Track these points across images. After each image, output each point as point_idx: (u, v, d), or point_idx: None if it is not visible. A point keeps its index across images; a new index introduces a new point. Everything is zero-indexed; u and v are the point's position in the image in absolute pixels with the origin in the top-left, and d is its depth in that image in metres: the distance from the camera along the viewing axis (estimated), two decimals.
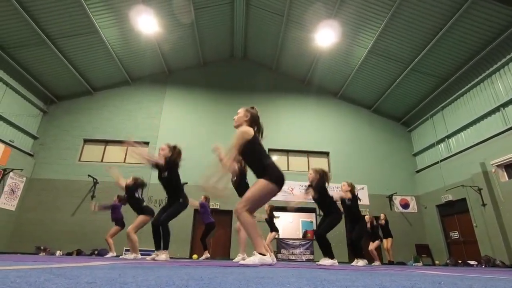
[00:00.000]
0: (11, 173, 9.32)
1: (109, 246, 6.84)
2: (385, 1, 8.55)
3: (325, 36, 10.18)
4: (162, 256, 4.05)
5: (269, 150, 11.74)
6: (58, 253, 9.00)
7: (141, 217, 4.89)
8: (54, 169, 10.47)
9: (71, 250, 9.11)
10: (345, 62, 11.39)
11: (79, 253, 8.97)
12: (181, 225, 9.82)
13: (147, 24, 9.74)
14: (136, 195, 5.22)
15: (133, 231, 4.79)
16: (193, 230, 10.15)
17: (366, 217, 7.96)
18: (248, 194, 2.50)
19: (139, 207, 5.09)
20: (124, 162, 11.05)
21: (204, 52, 12.48)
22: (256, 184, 2.51)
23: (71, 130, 11.21)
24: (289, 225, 14.39)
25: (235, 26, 11.65)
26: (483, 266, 7.73)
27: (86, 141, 11.28)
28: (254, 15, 11.19)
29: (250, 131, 2.68)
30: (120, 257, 5.57)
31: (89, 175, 10.13)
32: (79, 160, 10.90)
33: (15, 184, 9.56)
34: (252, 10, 10.98)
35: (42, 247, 9.04)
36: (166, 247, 4.12)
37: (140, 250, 5.30)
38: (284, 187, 10.20)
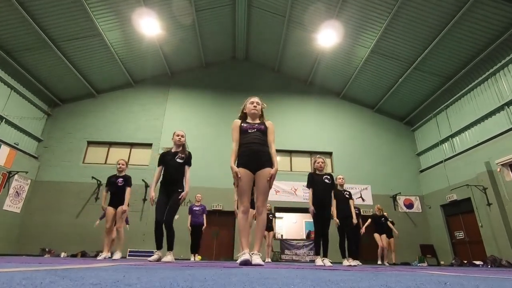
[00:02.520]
0: (16, 176, 9.40)
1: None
2: (387, 1, 8.52)
3: (327, 36, 10.16)
4: (168, 257, 3.97)
5: None
6: (62, 254, 9.05)
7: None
8: (59, 171, 10.55)
9: (76, 251, 9.16)
10: (347, 62, 11.36)
11: (83, 254, 9.02)
12: (184, 226, 9.84)
13: (149, 26, 9.79)
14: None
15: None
16: None
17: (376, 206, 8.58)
18: (267, 193, 2.83)
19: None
20: (128, 163, 11.11)
21: (206, 54, 12.51)
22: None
23: (75, 133, 11.29)
24: (293, 225, 14.38)
25: (237, 28, 11.68)
26: (489, 267, 7.66)
27: (89, 143, 11.36)
28: (255, 16, 11.21)
29: None
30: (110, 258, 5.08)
31: (93, 177, 10.18)
32: (83, 162, 10.97)
33: (20, 187, 9.64)
34: (254, 11, 11.00)
35: (46, 249, 9.10)
36: (171, 248, 4.05)
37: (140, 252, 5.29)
38: (287, 188, 10.28)
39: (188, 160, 4.21)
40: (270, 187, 2.79)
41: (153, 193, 4.05)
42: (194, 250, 7.19)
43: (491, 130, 8.82)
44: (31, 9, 8.13)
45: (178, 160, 4.12)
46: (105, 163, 11.04)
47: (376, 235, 8.24)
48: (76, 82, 11.00)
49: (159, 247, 3.98)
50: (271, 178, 2.75)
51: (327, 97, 13.02)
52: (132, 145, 11.50)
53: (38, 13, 8.31)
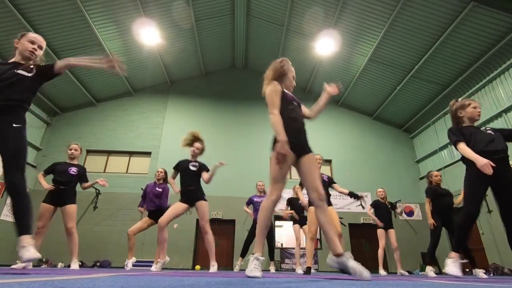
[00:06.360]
0: None
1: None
2: (384, 10, 8.66)
3: (325, 45, 10.30)
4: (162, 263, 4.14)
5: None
6: (60, 265, 8.93)
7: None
8: None
9: None
10: (345, 70, 11.47)
11: (81, 265, 8.90)
12: (184, 235, 9.76)
13: (149, 36, 9.91)
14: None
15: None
16: (196, 240, 10.05)
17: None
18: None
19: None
20: (127, 172, 11.08)
21: (206, 63, 12.63)
22: None
23: (74, 141, 11.26)
24: (293, 234, 14.21)
25: (236, 37, 11.82)
26: (491, 275, 7.58)
27: (88, 152, 11.33)
28: (254, 26, 11.36)
29: None
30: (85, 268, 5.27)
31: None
32: None
33: None
34: (253, 21, 11.15)
35: (44, 259, 8.98)
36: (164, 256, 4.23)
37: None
38: (287, 196, 9.97)
39: (202, 166, 4.21)
40: None
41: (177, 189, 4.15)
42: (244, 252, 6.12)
43: None
44: (32, 19, 8.24)
45: (192, 168, 4.13)
46: (104, 171, 11.00)
47: (380, 231, 6.36)
48: (76, 91, 11.05)
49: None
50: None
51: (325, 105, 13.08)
52: (131, 153, 11.49)
53: (39, 23, 8.41)
